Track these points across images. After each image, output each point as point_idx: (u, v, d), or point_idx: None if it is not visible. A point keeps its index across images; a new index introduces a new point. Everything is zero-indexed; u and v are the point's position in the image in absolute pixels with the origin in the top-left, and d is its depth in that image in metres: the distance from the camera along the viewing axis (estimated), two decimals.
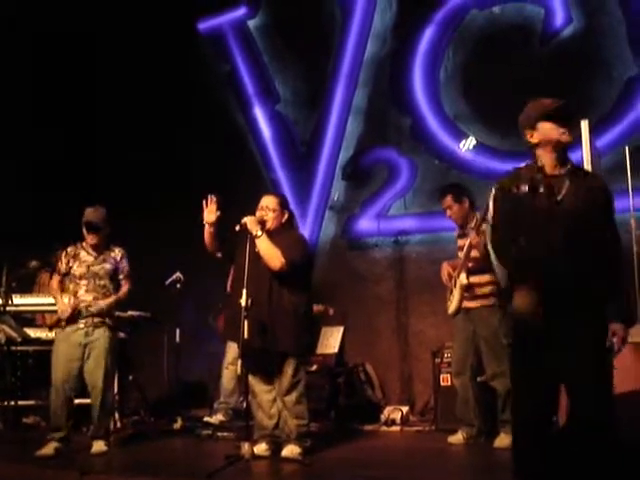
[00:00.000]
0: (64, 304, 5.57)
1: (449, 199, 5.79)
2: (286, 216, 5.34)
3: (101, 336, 5.56)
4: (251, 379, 5.16)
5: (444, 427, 6.06)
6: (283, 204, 5.37)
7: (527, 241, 3.46)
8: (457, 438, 5.62)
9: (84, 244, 5.74)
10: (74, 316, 5.54)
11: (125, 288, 5.75)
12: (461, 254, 5.67)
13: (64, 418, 5.45)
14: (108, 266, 5.70)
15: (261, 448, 5.09)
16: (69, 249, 5.75)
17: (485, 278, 5.54)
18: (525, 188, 3.51)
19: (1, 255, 6.73)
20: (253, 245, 5.01)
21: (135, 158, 8.64)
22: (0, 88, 8.70)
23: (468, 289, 5.58)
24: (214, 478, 4.36)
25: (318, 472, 4.77)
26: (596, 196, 3.50)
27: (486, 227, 5.36)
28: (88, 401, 5.63)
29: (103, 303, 5.59)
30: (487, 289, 5.55)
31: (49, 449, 5.34)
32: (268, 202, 5.29)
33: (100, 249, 5.72)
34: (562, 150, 3.56)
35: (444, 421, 6.19)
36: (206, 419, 6.67)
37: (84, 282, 5.63)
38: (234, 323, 4.94)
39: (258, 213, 5.21)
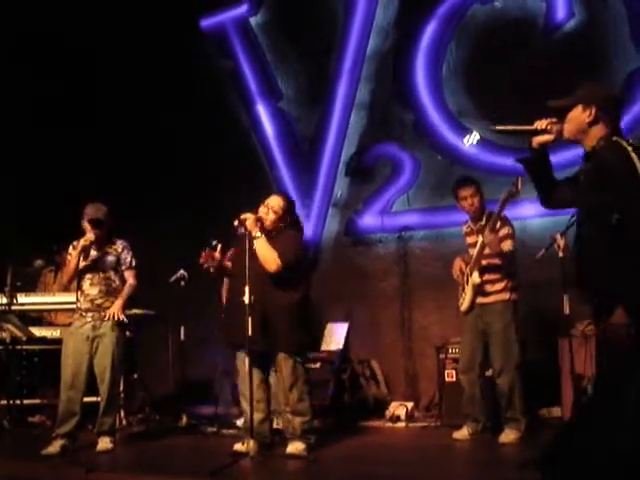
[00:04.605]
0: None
1: (472, 188, 5.63)
2: (287, 221, 5.26)
3: (108, 330, 5.58)
4: (241, 377, 5.15)
5: (449, 423, 6.05)
6: (287, 209, 5.28)
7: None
8: (462, 434, 5.61)
9: None
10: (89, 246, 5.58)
11: (129, 282, 5.75)
12: (472, 251, 5.64)
13: (75, 410, 5.43)
14: (111, 258, 5.73)
15: (249, 445, 5.01)
16: (75, 243, 5.73)
17: (498, 275, 5.52)
18: None
19: (6, 255, 6.75)
20: (250, 243, 4.99)
21: (137, 156, 8.65)
22: (1, 89, 8.73)
23: (480, 287, 5.56)
24: (218, 476, 4.37)
25: (323, 469, 4.77)
26: (592, 179, 3.22)
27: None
28: (94, 399, 5.64)
29: (112, 310, 5.59)
30: (501, 285, 5.53)
31: (55, 447, 5.34)
32: (274, 203, 5.24)
33: (102, 243, 5.73)
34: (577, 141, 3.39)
35: (449, 417, 6.19)
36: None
37: (89, 276, 5.66)
38: (236, 324, 4.93)
39: (261, 208, 5.20)
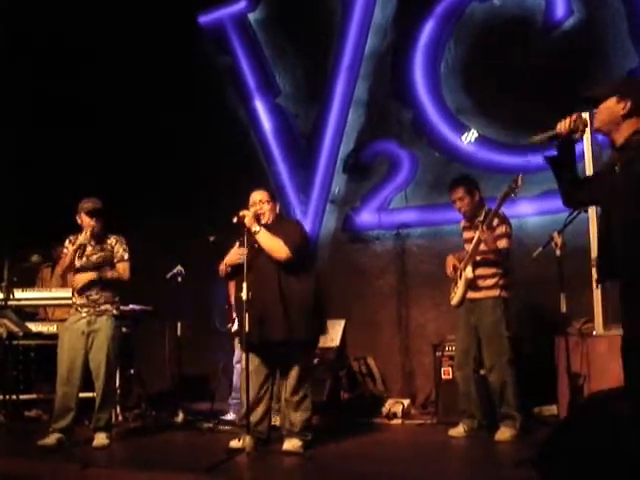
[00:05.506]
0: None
1: (461, 191, 5.67)
2: (278, 207, 5.42)
3: (104, 324, 5.59)
4: (250, 373, 5.13)
5: (445, 420, 6.07)
6: (273, 196, 5.45)
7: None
8: (458, 431, 5.62)
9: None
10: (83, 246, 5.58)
11: (118, 271, 5.71)
12: (468, 247, 5.65)
13: (70, 405, 5.45)
14: (106, 254, 5.73)
15: (245, 442, 5.01)
16: (72, 237, 5.73)
17: (491, 271, 5.54)
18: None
19: (2, 250, 6.74)
20: (250, 240, 5.01)
21: (136, 153, 8.64)
22: (1, 89, 8.71)
23: (472, 281, 5.57)
24: (213, 472, 4.37)
25: (319, 466, 4.77)
26: (633, 168, 3.22)
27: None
28: (90, 395, 5.64)
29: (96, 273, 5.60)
30: (492, 281, 5.54)
31: (51, 439, 5.37)
32: (261, 196, 5.33)
33: (99, 238, 5.73)
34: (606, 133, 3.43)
35: (445, 414, 6.20)
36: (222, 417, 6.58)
37: (84, 271, 5.65)
38: (254, 321, 4.93)
39: (252, 209, 5.22)
